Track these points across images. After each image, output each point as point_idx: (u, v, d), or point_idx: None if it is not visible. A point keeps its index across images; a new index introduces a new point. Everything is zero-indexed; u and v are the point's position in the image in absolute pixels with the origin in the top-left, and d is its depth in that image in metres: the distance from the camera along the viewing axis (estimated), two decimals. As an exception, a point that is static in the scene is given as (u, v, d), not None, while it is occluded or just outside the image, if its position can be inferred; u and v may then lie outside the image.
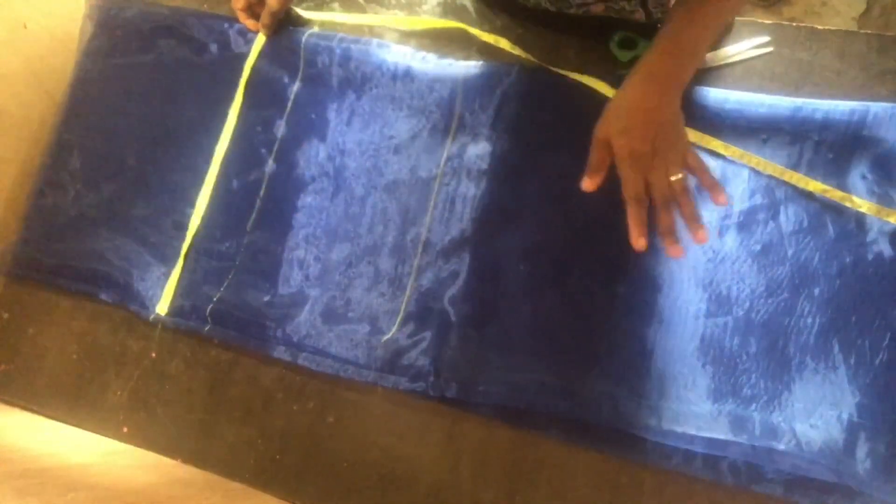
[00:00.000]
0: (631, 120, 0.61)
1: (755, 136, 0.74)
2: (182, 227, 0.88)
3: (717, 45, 0.78)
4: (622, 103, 0.63)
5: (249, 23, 0.90)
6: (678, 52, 0.63)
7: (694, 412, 0.69)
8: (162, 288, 0.86)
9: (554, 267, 0.77)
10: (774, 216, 0.73)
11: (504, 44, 0.83)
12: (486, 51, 0.85)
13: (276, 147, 0.88)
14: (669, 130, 0.62)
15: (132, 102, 0.95)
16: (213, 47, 0.93)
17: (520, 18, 0.85)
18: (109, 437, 0.85)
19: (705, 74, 0.78)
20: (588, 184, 0.64)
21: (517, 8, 0.85)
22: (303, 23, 0.91)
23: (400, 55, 0.86)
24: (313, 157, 0.87)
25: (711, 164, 0.75)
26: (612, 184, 0.77)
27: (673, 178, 0.62)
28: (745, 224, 0.73)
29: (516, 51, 0.83)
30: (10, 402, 0.89)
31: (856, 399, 0.67)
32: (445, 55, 0.86)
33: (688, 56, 0.64)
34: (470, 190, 0.81)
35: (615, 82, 0.78)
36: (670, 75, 0.63)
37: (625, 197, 0.63)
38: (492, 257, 0.79)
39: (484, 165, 0.81)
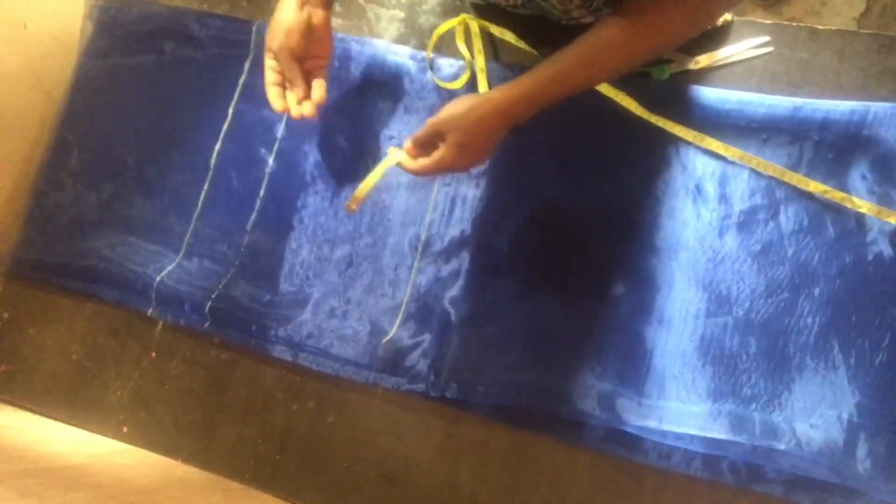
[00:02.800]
0: (469, 140, 0.67)
1: (755, 136, 0.74)
2: (182, 227, 0.88)
3: (715, 45, 0.78)
4: (471, 119, 0.67)
5: (278, 103, 0.75)
6: (537, 99, 0.66)
7: (694, 412, 0.69)
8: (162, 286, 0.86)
9: (554, 267, 0.77)
10: (774, 216, 0.73)
11: (509, 37, 0.83)
12: (486, 52, 0.85)
13: (276, 147, 0.88)
14: (485, 157, 0.72)
15: (132, 102, 0.95)
16: (213, 47, 0.93)
17: (518, 20, 0.85)
18: (109, 437, 0.85)
19: (705, 74, 0.78)
20: (409, 150, 0.72)
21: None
22: None
23: (400, 55, 0.86)
24: (313, 157, 0.87)
25: (711, 164, 0.75)
26: (612, 186, 0.78)
27: None
28: (745, 224, 0.73)
29: (521, 44, 0.82)
30: (10, 402, 0.89)
31: (856, 399, 0.67)
32: (446, 55, 0.86)
33: (542, 104, 0.67)
34: (470, 190, 0.81)
35: (616, 81, 0.78)
36: (519, 115, 0.68)
37: (412, 165, 0.71)
38: (492, 258, 0.79)
39: (484, 166, 0.81)
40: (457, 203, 0.81)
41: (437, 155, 0.68)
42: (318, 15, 0.75)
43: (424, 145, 0.71)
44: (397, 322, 0.80)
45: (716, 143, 0.75)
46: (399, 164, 0.73)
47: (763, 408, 0.69)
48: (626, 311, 0.74)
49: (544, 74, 0.66)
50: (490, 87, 0.82)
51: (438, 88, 0.84)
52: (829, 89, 0.75)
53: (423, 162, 0.70)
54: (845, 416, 0.67)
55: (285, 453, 0.80)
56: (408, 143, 0.72)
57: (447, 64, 0.85)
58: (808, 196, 0.72)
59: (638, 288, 0.74)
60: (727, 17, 0.78)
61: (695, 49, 0.78)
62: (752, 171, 0.74)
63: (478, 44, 0.83)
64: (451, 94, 0.84)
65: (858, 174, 0.71)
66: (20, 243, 0.94)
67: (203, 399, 0.84)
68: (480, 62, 0.82)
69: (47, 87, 0.97)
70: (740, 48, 0.77)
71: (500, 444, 0.75)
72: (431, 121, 0.69)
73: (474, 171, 0.81)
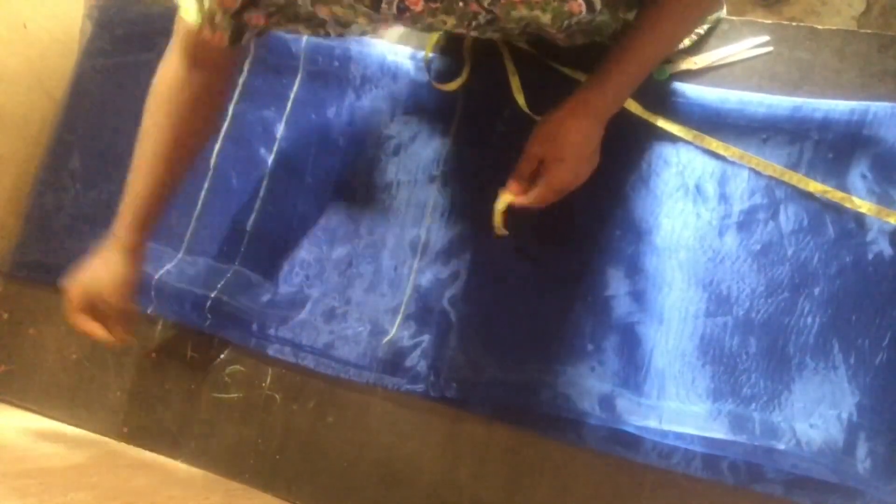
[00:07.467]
0: (565, 151, 0.65)
1: (755, 136, 0.74)
2: (182, 227, 0.88)
3: (715, 45, 0.78)
4: (558, 130, 0.65)
5: (89, 328, 0.74)
6: (613, 89, 0.65)
7: (694, 412, 0.69)
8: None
9: (553, 267, 0.77)
10: (774, 216, 0.73)
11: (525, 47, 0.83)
12: (487, 52, 0.85)
13: (275, 147, 0.88)
14: (590, 164, 0.67)
15: (132, 102, 0.94)
16: (213, 47, 0.92)
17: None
18: (109, 437, 0.85)
19: (705, 74, 0.78)
20: (514, 188, 0.69)
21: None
22: None
23: (400, 55, 0.86)
24: (313, 157, 0.87)
25: (711, 164, 0.75)
26: (612, 186, 0.77)
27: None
28: (745, 224, 0.73)
29: (522, 43, 0.82)
30: (10, 402, 0.89)
31: (856, 399, 0.67)
32: (445, 56, 0.86)
33: (621, 93, 0.66)
34: (470, 190, 0.81)
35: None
36: (602, 110, 0.66)
37: (524, 199, 0.69)
38: (491, 258, 0.79)
39: (484, 166, 0.81)
40: (456, 203, 0.81)
41: (542, 180, 0.66)
42: (137, 271, 0.74)
43: (528, 177, 0.68)
44: (397, 322, 0.80)
45: (715, 142, 0.75)
46: (513, 205, 0.70)
47: (763, 408, 0.69)
48: (626, 311, 0.74)
49: (613, 61, 0.64)
50: (521, 86, 0.80)
51: (436, 89, 0.84)
52: (829, 89, 0.75)
53: (533, 192, 0.67)
54: (845, 415, 0.67)
55: (285, 453, 0.80)
56: (511, 181, 0.69)
57: (445, 65, 0.85)
58: (808, 196, 0.72)
59: (638, 288, 0.74)
60: (720, 13, 0.77)
61: (695, 49, 0.78)
62: (752, 170, 0.74)
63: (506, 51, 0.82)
64: (447, 95, 0.84)
65: (858, 174, 0.71)
66: (20, 243, 0.94)
67: (203, 399, 0.84)
68: (510, 67, 0.81)
69: (47, 87, 0.97)
70: (740, 48, 0.77)
71: (500, 444, 0.75)
72: (525, 150, 0.68)
73: (476, 168, 0.81)
